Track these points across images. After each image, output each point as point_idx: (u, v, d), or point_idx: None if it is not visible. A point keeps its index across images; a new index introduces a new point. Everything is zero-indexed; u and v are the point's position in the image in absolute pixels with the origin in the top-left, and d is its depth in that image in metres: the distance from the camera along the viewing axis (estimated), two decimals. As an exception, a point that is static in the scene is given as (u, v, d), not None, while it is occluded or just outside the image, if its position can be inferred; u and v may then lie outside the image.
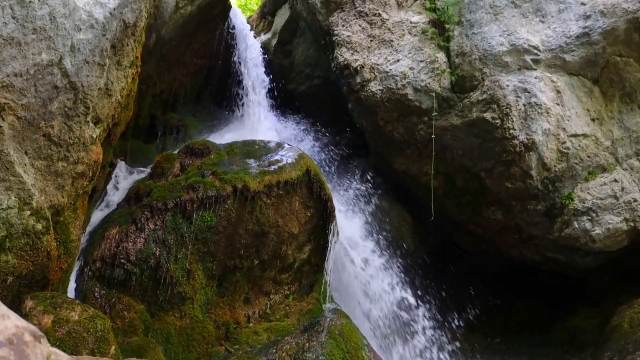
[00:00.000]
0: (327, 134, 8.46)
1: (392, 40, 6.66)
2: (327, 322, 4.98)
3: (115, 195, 5.73)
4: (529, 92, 5.98)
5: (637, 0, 5.90)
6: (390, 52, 6.61)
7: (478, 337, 6.84)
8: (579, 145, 6.13)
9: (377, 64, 6.59)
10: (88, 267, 4.46)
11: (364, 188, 7.20)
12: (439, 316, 6.45)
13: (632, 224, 6.12)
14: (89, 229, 4.92)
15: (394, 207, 7.24)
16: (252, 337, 4.94)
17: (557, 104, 6.04)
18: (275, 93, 8.63)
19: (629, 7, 5.92)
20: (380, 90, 6.52)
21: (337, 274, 5.83)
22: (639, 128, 6.38)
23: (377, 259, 6.21)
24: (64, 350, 2.77)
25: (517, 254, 7.03)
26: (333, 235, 5.54)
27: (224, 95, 8.61)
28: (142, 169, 6.21)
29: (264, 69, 8.69)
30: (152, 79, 7.05)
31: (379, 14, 6.84)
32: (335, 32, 6.96)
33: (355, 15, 6.94)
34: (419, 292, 6.40)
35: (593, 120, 6.29)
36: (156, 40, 6.08)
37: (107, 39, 3.93)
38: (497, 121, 6.04)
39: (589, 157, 6.19)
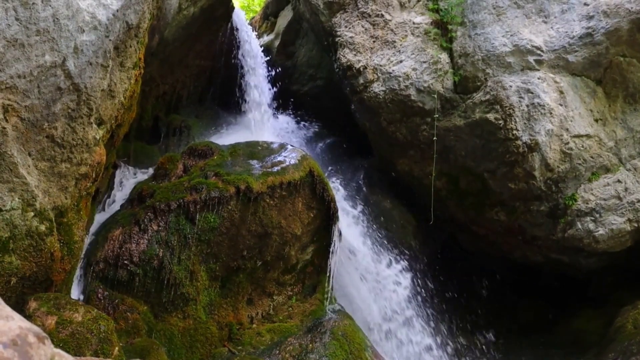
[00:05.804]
0: (330, 135, 8.46)
1: (394, 41, 6.65)
2: (330, 323, 4.99)
3: (118, 196, 5.73)
4: (532, 93, 5.97)
5: (641, 0, 5.89)
6: (393, 53, 6.60)
7: (481, 337, 6.82)
8: (582, 146, 6.11)
9: (380, 65, 6.59)
10: (91, 268, 4.47)
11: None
12: (441, 317, 6.45)
13: (635, 225, 6.10)
14: (92, 230, 4.93)
15: (397, 208, 7.23)
16: (255, 338, 4.94)
17: (560, 105, 6.02)
18: (278, 94, 8.63)
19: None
20: (383, 91, 6.51)
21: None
22: (642, 128, 6.37)
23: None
24: (68, 352, 2.77)
25: (521, 255, 7.01)
26: (336, 237, 5.53)
27: (227, 96, 8.62)
28: (145, 170, 6.21)
29: (266, 70, 8.69)
30: (155, 81, 7.06)
31: (382, 15, 6.83)
32: (338, 33, 6.96)
33: (357, 16, 6.94)
34: (421, 294, 6.39)
35: (596, 120, 6.27)
36: (159, 41, 6.08)
37: (110, 40, 3.94)
38: (500, 122, 6.03)
39: (592, 157, 6.18)
